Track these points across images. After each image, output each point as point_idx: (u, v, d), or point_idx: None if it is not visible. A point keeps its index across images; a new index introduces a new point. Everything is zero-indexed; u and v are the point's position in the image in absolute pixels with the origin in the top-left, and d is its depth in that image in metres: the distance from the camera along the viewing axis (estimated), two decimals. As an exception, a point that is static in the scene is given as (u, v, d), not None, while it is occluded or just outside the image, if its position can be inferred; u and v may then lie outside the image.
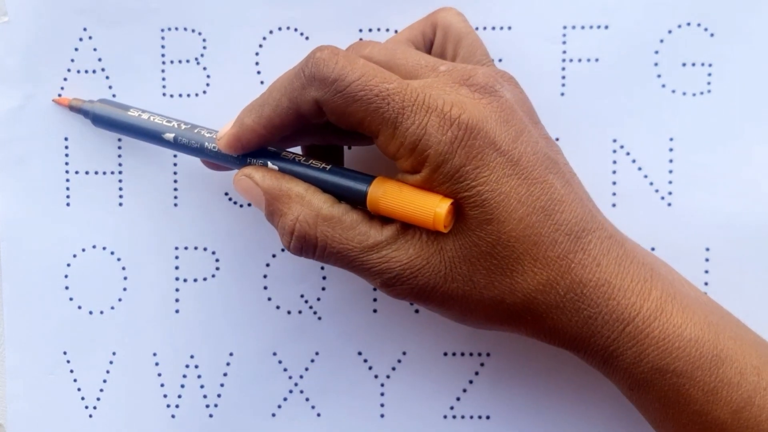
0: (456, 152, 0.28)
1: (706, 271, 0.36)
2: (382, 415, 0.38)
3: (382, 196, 0.30)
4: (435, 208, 0.28)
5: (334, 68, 0.29)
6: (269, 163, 0.32)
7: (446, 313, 0.31)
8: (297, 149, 0.35)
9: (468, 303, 0.30)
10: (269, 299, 0.38)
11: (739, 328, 0.32)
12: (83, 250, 0.39)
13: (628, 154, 0.37)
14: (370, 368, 0.38)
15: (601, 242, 0.30)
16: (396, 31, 0.37)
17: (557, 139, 0.37)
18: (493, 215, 0.28)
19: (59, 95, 0.38)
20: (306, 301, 0.38)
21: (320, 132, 0.33)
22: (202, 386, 0.39)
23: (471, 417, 0.38)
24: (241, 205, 0.38)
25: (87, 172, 0.39)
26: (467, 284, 0.29)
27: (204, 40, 0.38)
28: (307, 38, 0.37)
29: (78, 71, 0.38)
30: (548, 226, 0.29)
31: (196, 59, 0.38)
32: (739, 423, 0.29)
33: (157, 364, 0.39)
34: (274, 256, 0.38)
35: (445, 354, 0.38)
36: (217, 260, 0.38)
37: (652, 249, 0.36)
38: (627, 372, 0.30)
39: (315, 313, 0.38)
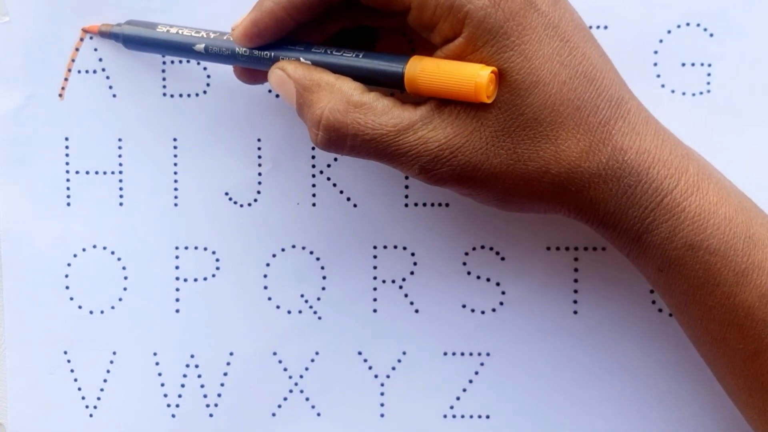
0: (499, 6, 0.27)
1: (706, 271, 0.36)
2: (382, 415, 0.38)
3: (420, 73, 0.29)
4: (476, 77, 0.27)
5: None
6: (301, 58, 0.31)
7: (488, 195, 0.30)
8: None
9: (512, 179, 0.29)
10: (269, 299, 0.38)
11: None
12: (84, 249, 0.39)
13: (627, 153, 0.37)
14: (370, 368, 0.38)
15: (639, 112, 0.30)
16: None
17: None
18: (538, 78, 0.28)
19: (60, 94, 0.38)
20: (306, 301, 0.38)
21: (343, 14, 0.32)
22: (202, 386, 0.39)
23: (471, 416, 0.38)
24: (241, 205, 0.38)
25: (87, 172, 0.39)
26: (511, 158, 0.29)
27: (204, 40, 0.38)
28: (307, 38, 0.38)
29: (78, 71, 0.38)
30: (590, 92, 0.29)
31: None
32: (767, 308, 0.29)
33: (157, 363, 0.39)
34: (274, 256, 0.38)
35: (445, 354, 0.38)
36: (217, 260, 0.38)
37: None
38: (659, 249, 0.29)
39: (315, 312, 0.38)
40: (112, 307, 0.39)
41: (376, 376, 0.38)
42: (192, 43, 0.34)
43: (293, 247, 0.38)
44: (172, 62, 0.38)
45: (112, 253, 0.39)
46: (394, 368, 0.38)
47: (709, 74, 0.36)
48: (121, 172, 0.39)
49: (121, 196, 0.39)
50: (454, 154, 0.29)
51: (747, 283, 0.29)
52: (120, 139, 0.38)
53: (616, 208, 0.29)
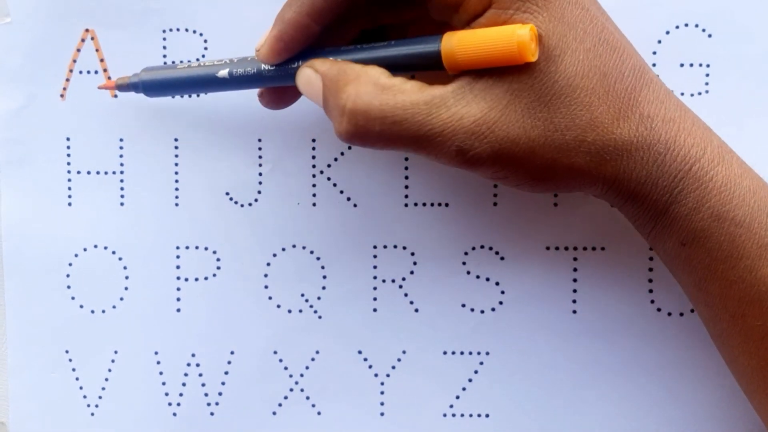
0: None
1: (704, 271, 0.36)
2: (382, 414, 0.38)
3: (458, 45, 0.28)
4: (516, 36, 0.27)
5: None
6: (331, 58, 0.31)
7: (525, 174, 0.29)
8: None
9: (550, 152, 0.29)
10: (270, 298, 0.39)
11: None
12: (85, 249, 0.39)
13: (626, 154, 0.37)
14: (370, 367, 0.38)
15: (660, 84, 0.30)
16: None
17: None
18: (567, 44, 0.28)
19: (62, 95, 0.38)
20: (306, 300, 0.38)
21: (363, 13, 0.32)
22: (203, 384, 0.39)
23: (470, 415, 0.38)
24: (242, 205, 0.38)
25: (89, 172, 0.39)
26: (548, 129, 0.28)
27: (205, 41, 0.38)
28: (307, 39, 0.38)
29: (80, 72, 0.38)
30: (614, 59, 0.29)
31: (197, 60, 0.38)
32: None
33: (158, 362, 0.39)
34: (274, 255, 0.38)
35: (445, 353, 0.38)
36: (218, 259, 0.39)
37: (650, 248, 0.37)
38: (685, 221, 0.29)
39: (315, 312, 0.38)
40: (114, 307, 0.39)
41: (376, 375, 0.38)
42: (214, 71, 0.33)
43: (293, 246, 0.38)
44: (173, 62, 0.38)
45: (113, 252, 0.39)
46: (394, 367, 0.38)
47: (707, 75, 0.36)
48: (122, 172, 0.39)
49: (122, 196, 0.39)
50: (491, 129, 0.28)
51: None
52: (121, 139, 0.39)
53: (647, 178, 0.29)
